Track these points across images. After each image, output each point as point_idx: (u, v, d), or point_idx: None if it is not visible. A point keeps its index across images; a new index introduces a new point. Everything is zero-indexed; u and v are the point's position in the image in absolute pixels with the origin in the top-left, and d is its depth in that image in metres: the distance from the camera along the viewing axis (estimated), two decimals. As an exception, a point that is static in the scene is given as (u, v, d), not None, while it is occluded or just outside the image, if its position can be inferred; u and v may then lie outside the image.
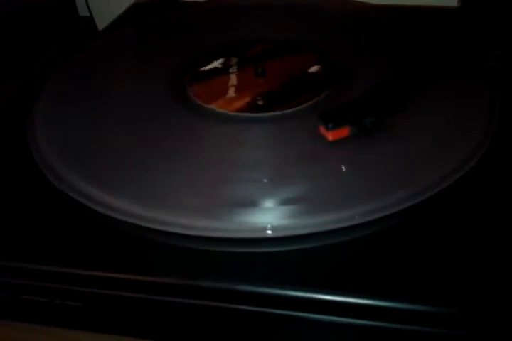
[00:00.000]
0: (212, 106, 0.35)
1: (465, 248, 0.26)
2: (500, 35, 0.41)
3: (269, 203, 0.28)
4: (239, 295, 0.26)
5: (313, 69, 0.37)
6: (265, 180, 0.30)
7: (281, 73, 0.38)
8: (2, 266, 0.28)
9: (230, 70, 0.39)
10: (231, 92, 0.36)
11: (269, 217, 0.28)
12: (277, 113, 0.34)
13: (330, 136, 0.31)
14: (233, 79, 0.38)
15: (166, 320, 0.28)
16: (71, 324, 0.30)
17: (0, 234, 0.29)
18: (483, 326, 0.24)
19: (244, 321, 0.27)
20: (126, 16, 0.52)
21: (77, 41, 0.57)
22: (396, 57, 0.39)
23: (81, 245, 0.28)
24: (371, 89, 0.33)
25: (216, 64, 0.39)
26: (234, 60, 0.40)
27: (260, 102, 0.35)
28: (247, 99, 0.35)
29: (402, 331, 0.25)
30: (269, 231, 0.27)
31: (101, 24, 0.58)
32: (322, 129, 0.31)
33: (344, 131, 0.31)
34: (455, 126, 0.32)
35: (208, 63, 0.39)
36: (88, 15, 0.59)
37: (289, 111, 0.34)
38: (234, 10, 0.47)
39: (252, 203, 0.28)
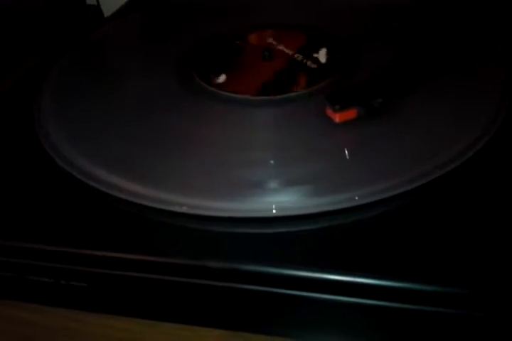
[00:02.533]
0: (219, 90, 0.35)
1: (480, 228, 0.26)
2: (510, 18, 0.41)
3: (276, 183, 0.28)
4: (246, 275, 0.26)
5: (321, 53, 0.37)
6: (272, 161, 0.29)
7: (289, 57, 0.37)
8: (8, 246, 0.28)
9: (239, 54, 0.38)
10: (238, 75, 0.36)
11: (275, 196, 0.27)
12: (282, 96, 0.34)
13: (337, 117, 0.31)
14: (241, 62, 0.38)
15: (173, 301, 0.28)
16: (76, 304, 0.30)
17: (6, 215, 0.29)
18: (497, 307, 0.24)
19: (251, 301, 0.27)
20: (133, 3, 0.52)
21: (84, 29, 0.56)
22: (405, 41, 0.38)
23: (87, 226, 0.28)
24: (380, 70, 0.33)
25: (225, 48, 0.39)
26: (243, 44, 0.40)
27: (266, 86, 0.35)
28: (253, 83, 0.35)
29: (414, 311, 0.25)
30: (274, 211, 0.26)
31: (108, 12, 0.58)
32: (329, 111, 0.31)
33: (351, 113, 0.31)
34: (464, 108, 0.32)
35: (217, 48, 0.39)
36: (95, 3, 0.59)
37: (294, 94, 0.34)
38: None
39: (259, 183, 0.28)
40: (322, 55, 0.37)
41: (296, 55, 0.37)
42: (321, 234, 0.26)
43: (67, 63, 0.40)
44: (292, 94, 0.34)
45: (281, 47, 0.39)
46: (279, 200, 0.27)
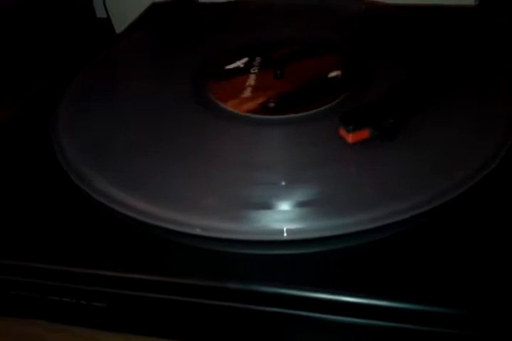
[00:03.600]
0: (225, 106, 0.36)
1: (480, 251, 0.26)
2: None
3: (286, 206, 0.29)
4: (259, 297, 0.26)
5: (333, 73, 0.38)
6: (283, 183, 0.30)
7: (300, 76, 0.38)
8: (30, 268, 0.28)
9: (252, 70, 0.39)
10: (247, 92, 0.37)
11: (286, 219, 0.28)
12: (293, 115, 0.34)
13: (350, 138, 0.31)
14: (252, 79, 0.38)
15: (186, 320, 0.29)
16: (93, 323, 0.30)
17: (28, 237, 0.29)
18: (492, 327, 0.24)
19: (264, 321, 0.27)
20: (145, 17, 0.52)
21: (95, 43, 0.57)
22: (415, 58, 0.39)
23: (105, 247, 0.28)
24: (391, 90, 0.33)
25: (239, 63, 0.40)
26: (257, 60, 0.40)
27: (272, 104, 0.35)
28: (260, 101, 0.36)
29: (414, 331, 0.25)
30: (285, 234, 0.27)
31: (118, 25, 0.58)
32: (342, 131, 0.32)
33: (364, 133, 0.31)
34: (473, 128, 0.32)
35: (231, 62, 0.40)
36: (106, 16, 0.59)
37: (306, 113, 0.34)
38: (255, 11, 0.47)
39: (269, 206, 0.29)
40: (336, 73, 0.37)
41: (309, 73, 0.38)
42: (332, 255, 0.27)
43: (82, 80, 0.40)
44: (304, 114, 0.34)
45: (293, 64, 0.39)
46: (290, 223, 0.27)
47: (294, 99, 0.36)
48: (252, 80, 0.38)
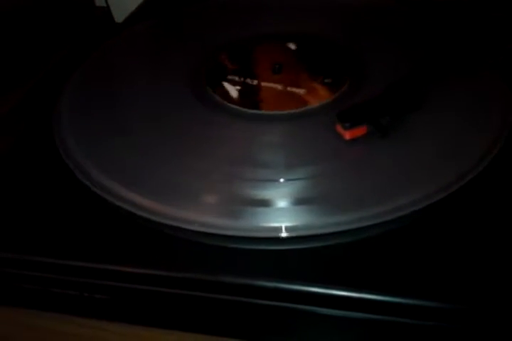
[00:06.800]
0: (230, 104, 0.36)
1: (477, 247, 0.27)
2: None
3: (284, 203, 0.29)
4: (255, 290, 0.27)
5: (331, 66, 0.38)
6: (282, 180, 0.30)
7: (299, 70, 0.38)
8: (32, 261, 0.29)
9: (250, 66, 0.39)
10: (248, 89, 0.37)
11: (284, 217, 0.29)
12: (291, 111, 0.35)
13: (347, 135, 0.32)
14: (251, 75, 0.38)
15: (186, 312, 0.30)
16: (96, 314, 0.31)
17: (35, 232, 0.30)
18: (488, 322, 0.25)
19: (260, 314, 0.28)
20: (144, 8, 0.52)
21: (94, 32, 0.57)
22: (410, 53, 0.39)
23: (105, 241, 0.29)
24: (387, 87, 0.34)
25: (235, 60, 0.40)
26: (256, 55, 0.41)
27: (274, 100, 0.36)
28: (263, 97, 0.36)
29: (410, 325, 0.26)
30: (283, 234, 0.28)
31: (118, 14, 0.59)
32: (339, 128, 0.32)
33: (361, 130, 0.32)
34: (469, 125, 0.33)
35: (227, 59, 0.40)
36: (105, 5, 0.59)
37: (303, 109, 0.35)
38: (256, 4, 0.47)
39: (266, 203, 0.29)
40: (333, 68, 0.38)
41: (305, 68, 0.38)
42: (328, 251, 0.28)
43: (81, 76, 0.40)
44: (301, 110, 0.35)
45: (291, 59, 0.40)
46: (289, 221, 0.28)
47: (296, 95, 0.36)
48: (251, 76, 0.38)
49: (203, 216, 0.29)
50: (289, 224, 0.28)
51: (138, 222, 0.29)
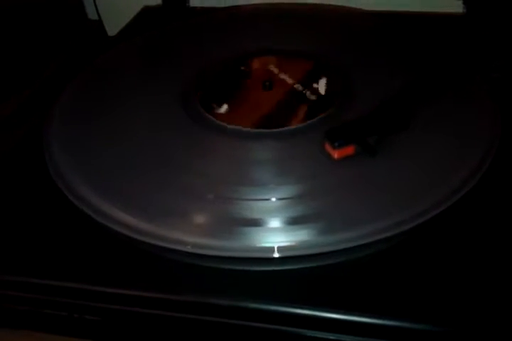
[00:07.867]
0: (215, 119, 0.36)
1: (466, 268, 0.27)
2: (503, 45, 0.42)
3: (276, 223, 0.30)
4: (244, 312, 0.27)
5: (321, 83, 0.38)
6: (274, 199, 0.31)
7: (288, 87, 0.39)
8: (23, 282, 0.29)
9: (241, 82, 0.40)
10: (239, 105, 0.37)
11: (277, 237, 0.29)
12: (280, 130, 0.35)
13: (336, 154, 0.32)
14: (242, 91, 0.39)
15: (176, 334, 0.30)
16: (87, 335, 0.31)
17: (23, 252, 0.30)
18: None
19: (251, 337, 0.28)
20: (137, 22, 0.53)
21: (86, 45, 0.57)
22: (399, 69, 0.39)
23: (95, 262, 0.29)
24: (376, 106, 0.34)
25: (228, 75, 0.41)
26: (245, 72, 0.41)
27: (264, 118, 0.36)
28: (253, 114, 0.36)
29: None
30: (276, 255, 0.28)
31: (110, 27, 0.59)
32: (328, 147, 0.32)
33: (349, 150, 0.32)
34: (456, 143, 0.33)
35: (220, 75, 0.41)
36: (97, 18, 0.60)
37: (293, 127, 0.35)
38: (245, 19, 0.48)
39: (258, 223, 0.29)
40: (322, 86, 0.38)
41: (296, 85, 0.39)
42: (318, 271, 0.28)
43: (71, 94, 0.41)
44: (290, 128, 0.35)
45: (282, 75, 0.40)
46: (281, 241, 0.28)
47: (285, 112, 0.36)
48: (242, 93, 0.39)
49: (192, 237, 0.29)
50: (281, 245, 0.28)
51: (130, 243, 0.29)
